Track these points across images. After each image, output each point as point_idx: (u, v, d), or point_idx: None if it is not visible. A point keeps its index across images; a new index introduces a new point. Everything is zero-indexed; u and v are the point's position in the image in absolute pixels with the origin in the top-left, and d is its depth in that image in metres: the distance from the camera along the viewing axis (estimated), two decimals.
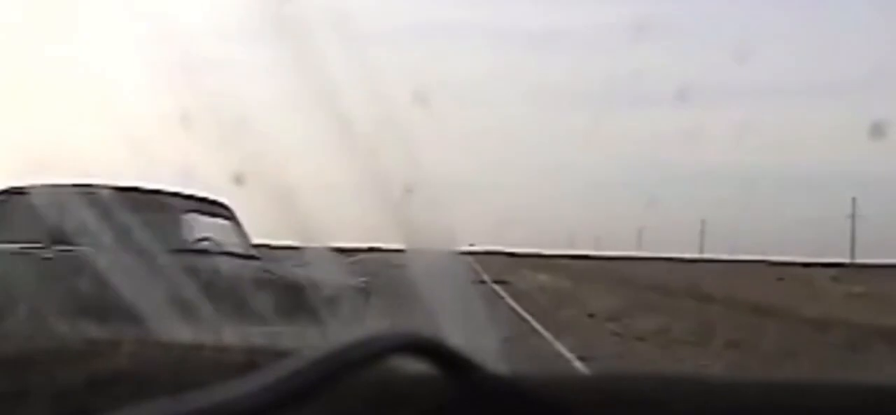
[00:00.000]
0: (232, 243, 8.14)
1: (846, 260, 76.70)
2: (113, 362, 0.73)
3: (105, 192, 6.86)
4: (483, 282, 23.34)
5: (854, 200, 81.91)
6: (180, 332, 3.39)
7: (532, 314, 14.78)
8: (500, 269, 34.29)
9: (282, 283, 6.93)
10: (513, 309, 16.00)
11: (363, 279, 7.89)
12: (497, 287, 22.81)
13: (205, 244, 8.08)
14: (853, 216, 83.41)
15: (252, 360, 0.72)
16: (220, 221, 8.38)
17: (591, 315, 15.58)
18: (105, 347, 0.75)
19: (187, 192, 8.35)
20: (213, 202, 8.39)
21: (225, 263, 7.21)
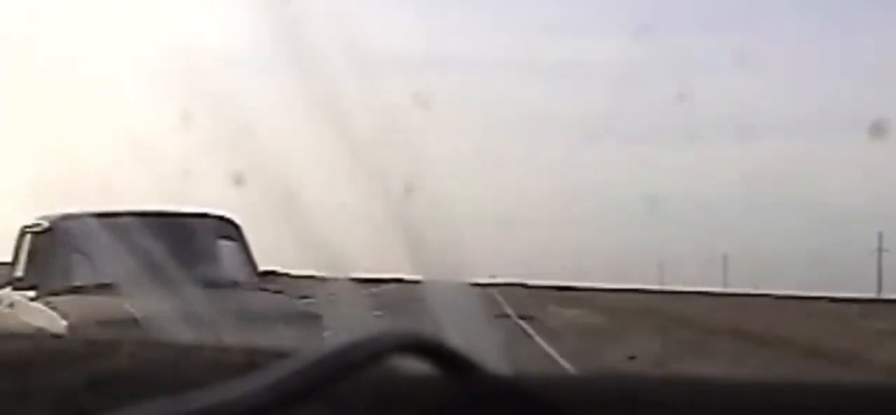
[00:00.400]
0: (241, 269, 7.34)
1: (872, 295, 76.17)
2: (113, 362, 0.73)
3: (137, 219, 6.32)
4: (506, 316, 22.54)
5: (881, 234, 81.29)
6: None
7: (566, 357, 13.63)
8: (524, 302, 33.22)
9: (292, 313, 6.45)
10: (546, 353, 14.84)
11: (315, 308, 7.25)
12: (523, 324, 21.60)
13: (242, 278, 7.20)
14: (880, 250, 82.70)
15: (252, 360, 0.72)
16: (228, 242, 7.59)
17: (632, 358, 14.05)
18: (105, 347, 0.75)
19: (198, 210, 7.57)
20: (222, 219, 7.60)
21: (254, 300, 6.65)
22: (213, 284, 6.25)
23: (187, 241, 7.04)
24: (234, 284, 6.88)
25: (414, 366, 0.70)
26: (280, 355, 0.70)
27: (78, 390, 0.70)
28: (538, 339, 17.61)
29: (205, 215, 7.42)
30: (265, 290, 7.19)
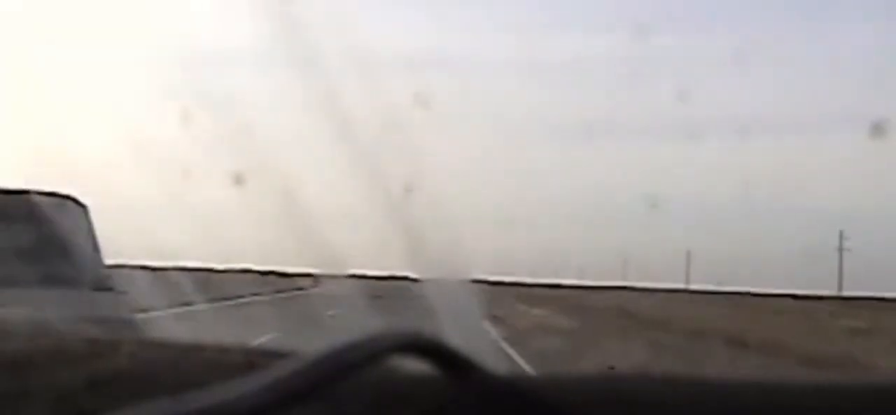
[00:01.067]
0: (77, 263, 5.62)
1: (833, 293, 77.29)
2: (113, 362, 0.73)
3: None
4: None
5: (841, 232, 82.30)
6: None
7: (540, 369, 12.26)
8: (488, 301, 31.90)
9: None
10: (514, 361, 13.46)
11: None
12: (488, 327, 19.78)
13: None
14: (841, 249, 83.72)
15: (252, 360, 0.72)
16: (67, 230, 5.76)
17: (611, 368, 13.11)
18: (105, 347, 0.75)
19: (28, 187, 5.78)
20: (59, 198, 5.83)
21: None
22: (29, 281, 5.06)
23: (7, 224, 5.64)
24: (64, 281, 5.43)
25: (414, 366, 0.70)
26: (280, 355, 0.70)
27: (78, 389, 0.70)
28: (506, 346, 16.40)
29: (39, 194, 5.82)
30: (107, 288, 5.72)
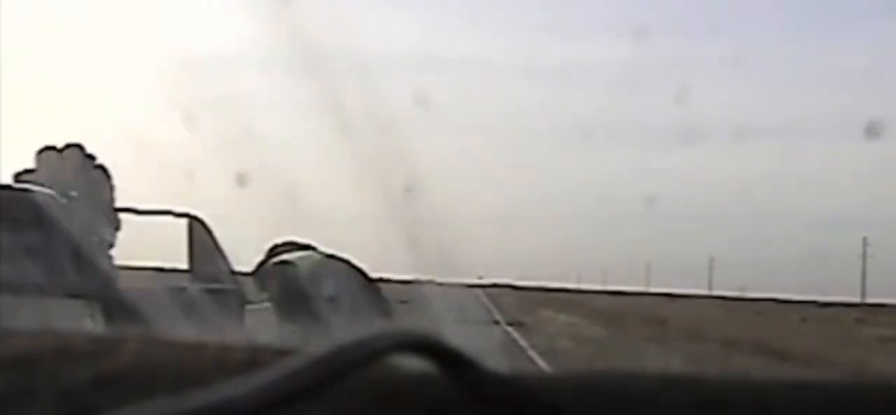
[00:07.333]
0: (39, 264, 4.93)
1: (856, 299, 77.26)
2: (116, 359, 0.73)
3: None
4: (496, 323, 21.34)
5: (865, 239, 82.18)
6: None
7: None
8: (513, 306, 31.21)
9: None
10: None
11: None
12: (513, 332, 20.18)
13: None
14: (865, 256, 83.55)
15: (254, 358, 0.73)
16: (29, 229, 5.13)
17: None
18: (109, 344, 0.76)
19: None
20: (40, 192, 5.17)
21: None
22: None
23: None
24: (28, 287, 4.79)
25: (414, 365, 0.70)
26: (282, 353, 0.71)
27: (81, 388, 0.71)
28: (533, 354, 16.14)
29: (3, 188, 5.03)
30: (75, 296, 5.04)
